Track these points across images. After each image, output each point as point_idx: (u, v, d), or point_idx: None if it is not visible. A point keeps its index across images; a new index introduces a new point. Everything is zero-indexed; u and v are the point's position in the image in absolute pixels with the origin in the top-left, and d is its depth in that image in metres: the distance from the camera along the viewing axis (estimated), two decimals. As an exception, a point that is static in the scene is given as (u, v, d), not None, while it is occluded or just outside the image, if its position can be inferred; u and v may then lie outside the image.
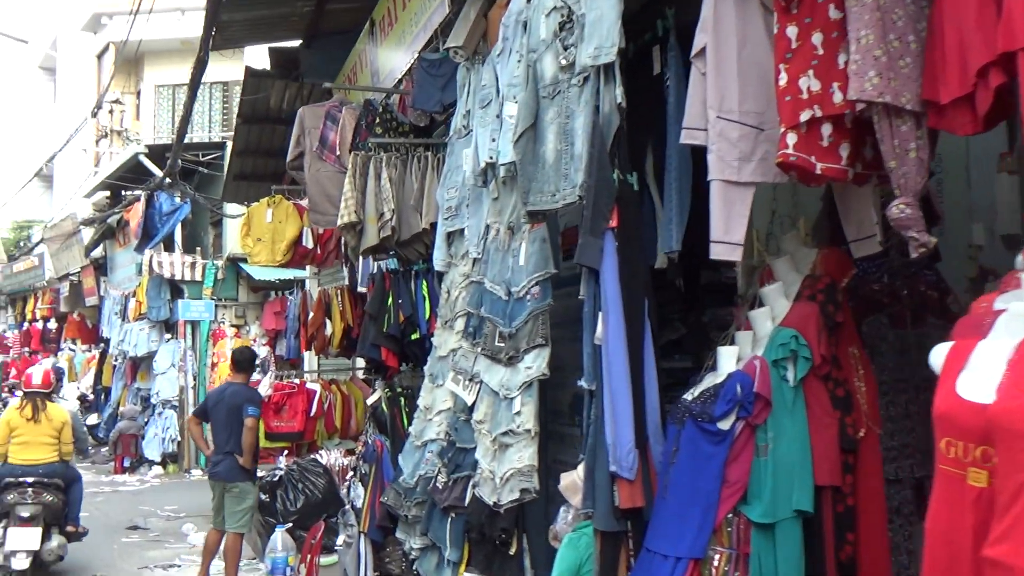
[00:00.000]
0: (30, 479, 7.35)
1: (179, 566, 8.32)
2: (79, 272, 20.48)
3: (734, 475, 2.86)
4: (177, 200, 15.47)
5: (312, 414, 8.89)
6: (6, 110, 34.21)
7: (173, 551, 8.99)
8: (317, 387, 8.96)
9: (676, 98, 3.41)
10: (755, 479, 2.82)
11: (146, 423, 15.93)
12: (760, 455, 2.84)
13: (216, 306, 15.91)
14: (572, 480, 3.86)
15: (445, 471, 4.62)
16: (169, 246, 16.05)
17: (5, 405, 19.45)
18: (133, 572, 8.15)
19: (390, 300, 5.57)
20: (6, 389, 23.59)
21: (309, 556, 5.97)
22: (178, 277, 15.59)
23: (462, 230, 4.97)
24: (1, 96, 34.90)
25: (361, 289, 7.61)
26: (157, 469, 15.22)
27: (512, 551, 4.17)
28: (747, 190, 2.84)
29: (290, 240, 8.93)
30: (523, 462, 4.09)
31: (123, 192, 17.85)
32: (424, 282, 5.65)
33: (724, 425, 2.87)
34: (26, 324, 24.81)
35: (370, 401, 5.74)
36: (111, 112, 21.02)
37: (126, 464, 15.39)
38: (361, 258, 7.38)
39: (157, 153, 15.98)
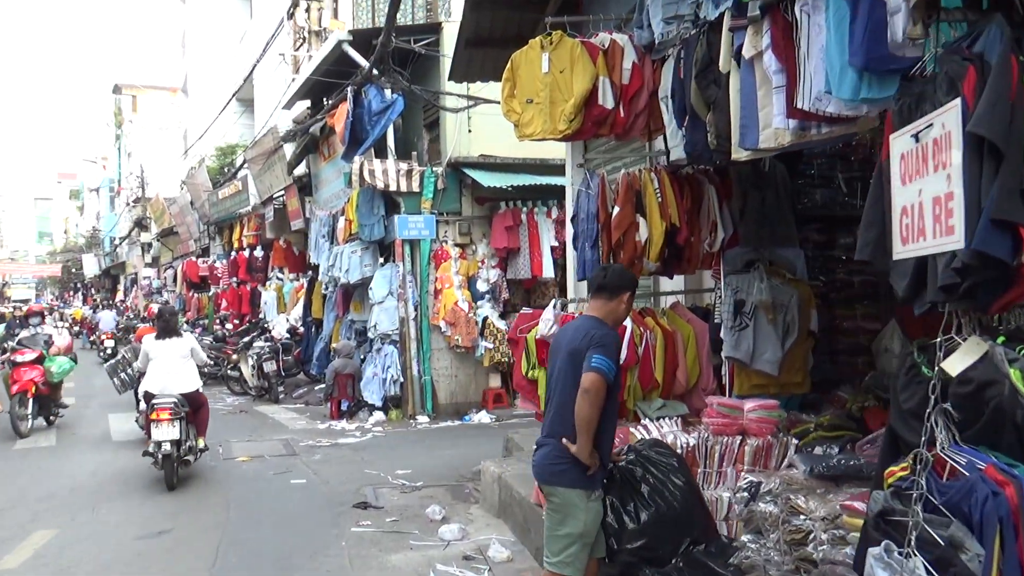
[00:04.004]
0: None
1: (437, 586, 5.62)
2: (283, 194, 18.57)
3: None
4: (388, 95, 12.81)
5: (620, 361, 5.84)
6: (206, 34, 33.36)
7: (423, 555, 6.31)
8: (626, 321, 5.86)
9: None
10: None
11: (363, 361, 13.69)
12: None
13: (437, 222, 13.25)
14: None
15: None
16: (380, 152, 13.50)
17: (221, 340, 18.14)
18: (374, 596, 5.51)
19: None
20: (218, 322, 22.59)
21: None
22: (392, 188, 13.01)
23: None
24: (201, 20, 34.10)
25: (744, 154, 4.32)
26: (378, 415, 12.95)
27: None
28: None
29: (580, 97, 5.81)
30: None
31: (324, 99, 15.54)
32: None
33: None
34: (234, 253, 23.53)
35: (960, 366, 2.41)
36: (308, 11, 18.75)
37: (343, 408, 13.22)
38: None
39: (363, 41, 13.30)
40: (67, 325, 29.10)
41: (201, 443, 9.13)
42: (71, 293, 63.17)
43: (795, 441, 5.07)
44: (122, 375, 13.10)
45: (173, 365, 8.85)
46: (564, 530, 4.21)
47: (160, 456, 8.51)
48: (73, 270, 62.64)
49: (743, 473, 4.34)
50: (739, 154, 4.41)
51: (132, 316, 26.13)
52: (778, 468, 5.04)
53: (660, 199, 5.74)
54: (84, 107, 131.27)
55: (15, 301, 45.04)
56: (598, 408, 4.08)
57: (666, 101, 5.58)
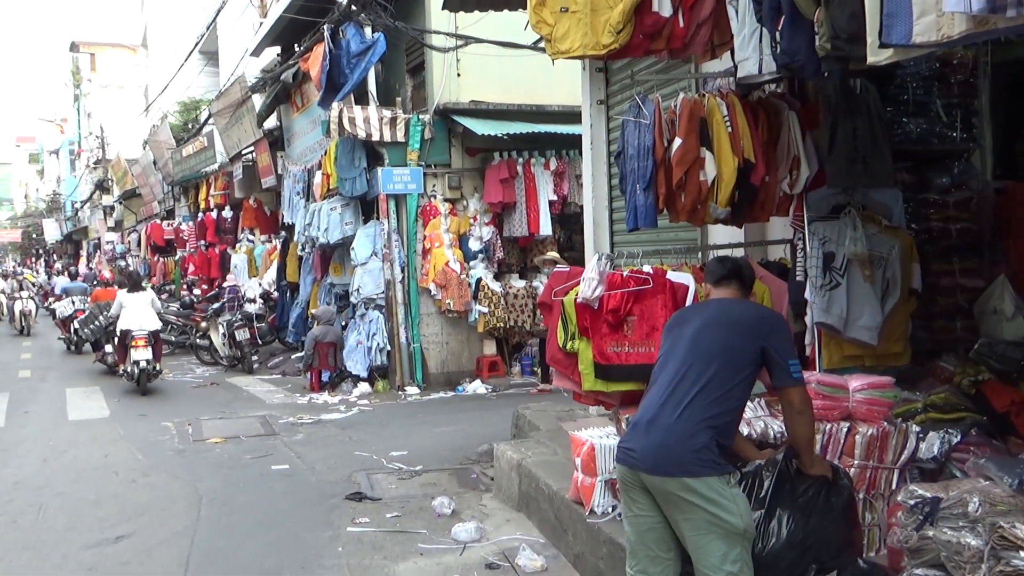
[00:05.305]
0: None
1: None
2: (252, 149, 17.24)
3: None
4: (369, 34, 11.56)
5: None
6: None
7: (436, 562, 5.26)
8: (688, 279, 4.77)
9: None
10: None
11: (345, 327, 12.55)
12: None
13: (425, 174, 12.05)
14: None
15: None
16: (360, 99, 12.25)
17: (189, 307, 16.89)
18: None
19: None
20: (185, 287, 21.27)
21: None
22: (375, 137, 11.77)
23: None
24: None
25: (886, 55, 3.21)
26: (363, 387, 11.85)
27: None
28: None
29: (629, 3, 4.67)
30: None
31: (296, 46, 14.24)
32: None
33: None
34: (200, 214, 22.13)
35: None
36: (276, -52, 17.26)
37: (324, 379, 12.10)
38: None
39: (340, -26, 11.99)
40: (31, 295, 27.63)
41: (159, 367, 12.44)
42: (33, 259, 61.10)
43: (915, 429, 4.05)
44: (91, 326, 15.03)
45: (142, 310, 12.33)
46: (714, 534, 3.17)
47: (137, 371, 11.89)
48: (34, 236, 60.56)
49: (911, 487, 3.23)
50: (877, 56, 3.30)
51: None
52: (896, 462, 4.03)
53: (730, 129, 4.63)
54: (41, 67, 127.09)
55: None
56: (814, 422, 3.58)
57: (735, 4, 4.48)
